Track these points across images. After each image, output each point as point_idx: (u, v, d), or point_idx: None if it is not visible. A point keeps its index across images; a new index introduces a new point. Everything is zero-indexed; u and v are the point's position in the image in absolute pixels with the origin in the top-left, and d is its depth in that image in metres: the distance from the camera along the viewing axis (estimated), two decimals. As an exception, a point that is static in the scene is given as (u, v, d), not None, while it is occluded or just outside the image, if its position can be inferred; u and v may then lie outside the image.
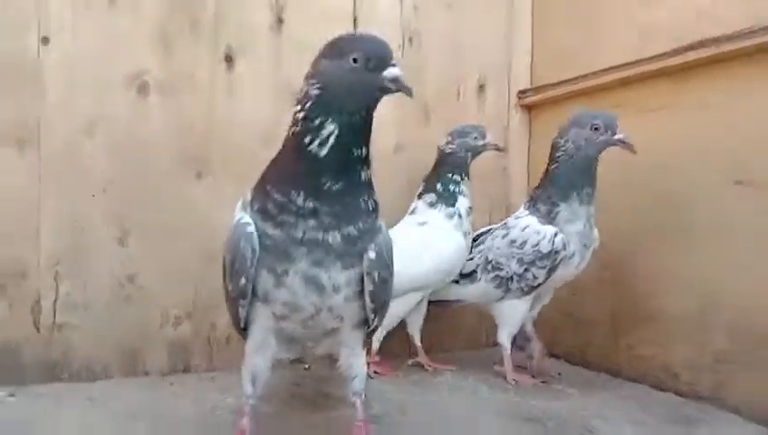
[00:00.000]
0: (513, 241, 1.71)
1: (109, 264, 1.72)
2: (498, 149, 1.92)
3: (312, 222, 1.02)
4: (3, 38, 1.62)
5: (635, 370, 1.64)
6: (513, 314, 1.76)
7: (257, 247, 1.05)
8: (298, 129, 1.06)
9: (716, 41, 1.53)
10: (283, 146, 1.11)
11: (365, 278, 1.08)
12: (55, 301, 1.67)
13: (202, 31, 1.82)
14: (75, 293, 1.68)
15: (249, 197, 1.11)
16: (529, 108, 2.26)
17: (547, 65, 2.21)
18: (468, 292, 1.83)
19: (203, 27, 1.82)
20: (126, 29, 1.74)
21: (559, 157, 1.67)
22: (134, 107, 1.75)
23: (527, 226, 1.70)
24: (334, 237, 1.03)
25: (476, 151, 1.87)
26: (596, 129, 1.62)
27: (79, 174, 1.70)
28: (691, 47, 1.59)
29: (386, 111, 2.04)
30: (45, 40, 1.65)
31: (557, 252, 1.64)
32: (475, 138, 1.86)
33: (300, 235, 1.03)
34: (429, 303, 1.89)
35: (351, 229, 1.05)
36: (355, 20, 2.04)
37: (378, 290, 1.10)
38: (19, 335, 1.65)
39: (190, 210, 1.79)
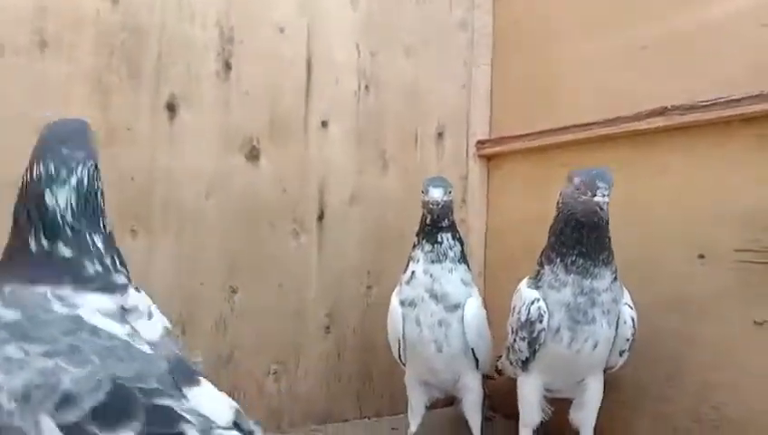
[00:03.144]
0: (513, 305, 1.52)
1: (33, 331, 1.58)
2: (430, 211, 1.59)
3: None
4: None
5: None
6: (521, 394, 1.57)
7: None
8: None
9: (678, 109, 1.50)
10: None
11: None
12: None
13: (143, 79, 1.70)
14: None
15: None
16: (488, 158, 2.20)
17: (506, 117, 2.16)
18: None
19: (144, 75, 1.70)
20: (59, 75, 1.61)
21: (556, 215, 1.45)
22: (66, 159, 1.62)
23: (519, 288, 1.51)
24: None
25: (428, 209, 1.59)
26: (577, 188, 1.37)
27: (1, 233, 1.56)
28: (652, 113, 1.55)
29: (343, 158, 2.00)
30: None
31: (532, 322, 1.43)
32: (422, 192, 1.61)
33: None
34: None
35: None
36: (309, 65, 1.95)
37: None
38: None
39: (124, 271, 1.67)
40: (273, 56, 1.88)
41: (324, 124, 1.96)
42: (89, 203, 0.99)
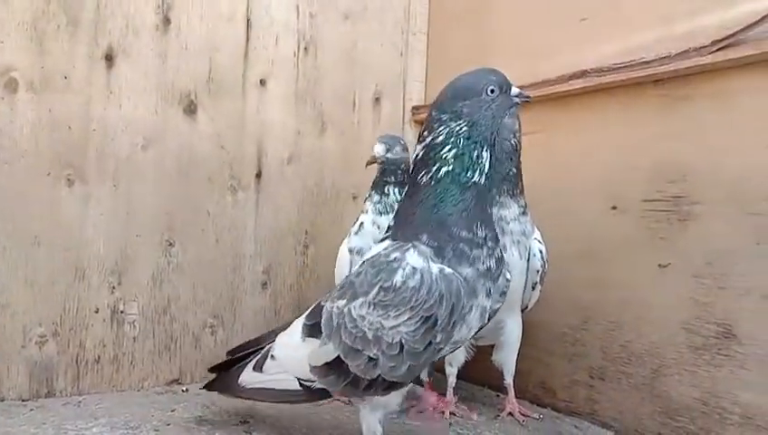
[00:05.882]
0: None
1: (-37, 277, 1.55)
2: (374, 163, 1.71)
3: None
4: None
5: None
6: None
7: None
8: None
9: (596, 71, 1.61)
10: None
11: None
12: None
13: (80, 27, 1.68)
14: None
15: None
16: (422, 123, 2.27)
17: (441, 84, 2.21)
18: None
19: (82, 23, 1.68)
20: (-8, 18, 1.59)
21: None
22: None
23: None
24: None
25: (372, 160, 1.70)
26: None
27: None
28: (573, 76, 1.66)
29: (281, 118, 2.03)
30: None
31: None
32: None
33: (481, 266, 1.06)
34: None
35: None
36: (248, 23, 1.97)
37: None
38: None
39: (59, 220, 1.65)
40: (213, 12, 1.89)
41: (263, 83, 1.99)
42: None
